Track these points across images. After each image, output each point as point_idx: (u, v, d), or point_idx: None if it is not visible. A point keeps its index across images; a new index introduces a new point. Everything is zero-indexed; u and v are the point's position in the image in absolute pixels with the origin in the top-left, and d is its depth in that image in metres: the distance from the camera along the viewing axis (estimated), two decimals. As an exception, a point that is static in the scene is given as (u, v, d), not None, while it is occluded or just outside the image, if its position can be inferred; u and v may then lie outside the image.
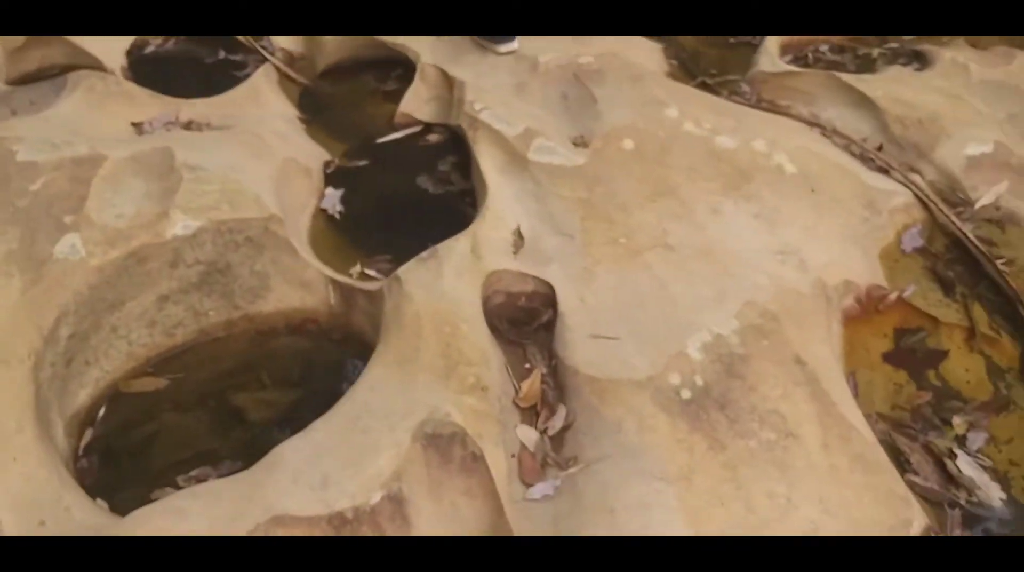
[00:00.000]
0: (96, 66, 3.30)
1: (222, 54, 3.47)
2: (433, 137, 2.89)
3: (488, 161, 2.41)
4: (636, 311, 1.84)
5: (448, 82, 2.94)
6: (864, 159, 2.51)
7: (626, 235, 2.06)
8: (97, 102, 2.73)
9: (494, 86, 2.74)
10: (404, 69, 3.22)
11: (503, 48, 2.99)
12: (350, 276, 2.25)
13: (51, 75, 3.36)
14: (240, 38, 3.44)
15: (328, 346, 2.21)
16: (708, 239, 2.06)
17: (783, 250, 2.02)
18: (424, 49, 3.09)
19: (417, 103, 2.95)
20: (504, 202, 2.27)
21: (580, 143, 2.41)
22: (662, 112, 2.51)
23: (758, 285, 1.88)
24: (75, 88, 2.73)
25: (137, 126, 2.73)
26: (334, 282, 2.18)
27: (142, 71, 3.36)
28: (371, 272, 2.28)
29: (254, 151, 2.47)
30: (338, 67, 3.34)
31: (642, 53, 3.17)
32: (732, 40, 3.45)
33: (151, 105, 2.85)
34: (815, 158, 2.37)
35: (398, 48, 3.15)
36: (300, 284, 2.21)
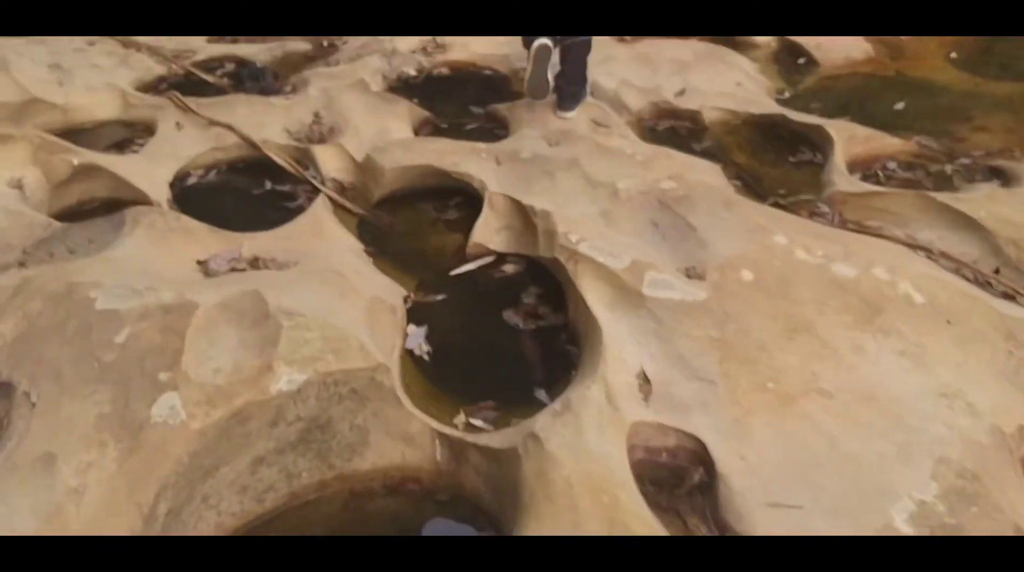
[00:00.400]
0: (140, 199, 3.16)
1: (268, 185, 3.34)
2: (509, 268, 2.73)
3: (594, 296, 2.25)
4: (812, 472, 1.65)
5: (519, 210, 2.82)
6: (981, 284, 2.39)
7: (773, 379, 1.89)
8: (159, 239, 2.55)
9: (580, 215, 2.61)
10: (462, 197, 3.10)
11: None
12: (455, 427, 2.04)
13: (91, 208, 3.21)
14: (287, 166, 3.31)
15: (431, 509, 1.97)
16: (862, 382, 1.89)
17: (945, 393, 1.85)
18: (488, 177, 2.98)
19: (488, 233, 2.82)
20: (621, 342, 2.09)
21: (694, 275, 2.26)
22: (770, 239, 2.38)
23: (940, 437, 1.70)
24: (136, 225, 2.54)
25: (202, 264, 2.55)
26: (442, 436, 1.97)
27: (188, 203, 3.22)
28: (477, 422, 2.07)
29: (339, 290, 2.29)
30: (392, 197, 3.21)
31: (704, 175, 3.08)
32: (793, 159, 3.39)
33: (212, 240, 2.67)
34: (941, 286, 2.24)
35: (461, 178, 3.03)
36: (402, 438, 1.99)
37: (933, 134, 3.45)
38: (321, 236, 2.82)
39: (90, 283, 2.01)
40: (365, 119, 3.60)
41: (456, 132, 3.73)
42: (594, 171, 2.93)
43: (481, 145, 3.23)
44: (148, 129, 3.86)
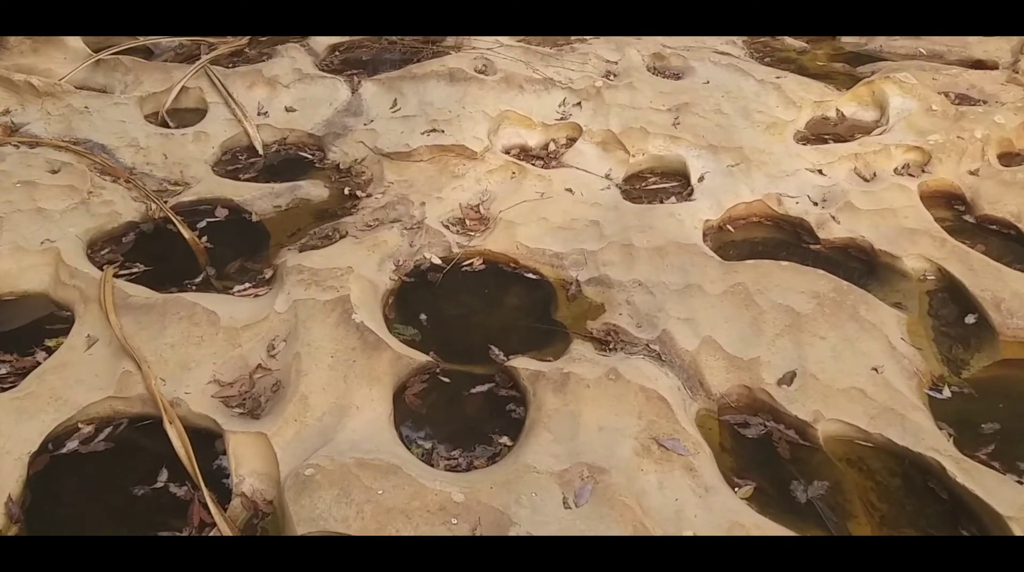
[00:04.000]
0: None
1: (163, 477, 2.37)
2: None
3: None
4: None
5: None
6: None
7: None
8: None
9: None
10: None
11: None
12: None
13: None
14: (185, 463, 2.29)
15: None
16: None
17: None
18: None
19: None
20: None
21: None
22: None
23: None
24: None
25: None
26: None
27: (43, 505, 2.28)
28: None
29: None
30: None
31: None
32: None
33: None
34: None
35: None
36: None
37: None
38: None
39: None
40: (324, 380, 2.55)
41: (456, 396, 2.67)
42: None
43: (457, 495, 2.11)
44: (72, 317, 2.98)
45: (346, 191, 3.89)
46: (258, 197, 3.77)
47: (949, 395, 2.69)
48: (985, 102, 4.61)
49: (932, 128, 4.15)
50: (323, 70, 4.89)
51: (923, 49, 5.60)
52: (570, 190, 3.78)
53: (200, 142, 4.23)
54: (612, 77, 4.69)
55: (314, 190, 3.88)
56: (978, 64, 5.28)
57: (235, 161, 4.26)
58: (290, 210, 3.75)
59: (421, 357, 2.74)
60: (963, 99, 4.68)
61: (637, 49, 5.01)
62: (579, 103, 4.36)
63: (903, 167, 4.00)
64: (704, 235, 3.50)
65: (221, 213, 3.72)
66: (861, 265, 3.36)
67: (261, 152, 4.30)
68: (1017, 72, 5.05)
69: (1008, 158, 4.12)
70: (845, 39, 5.82)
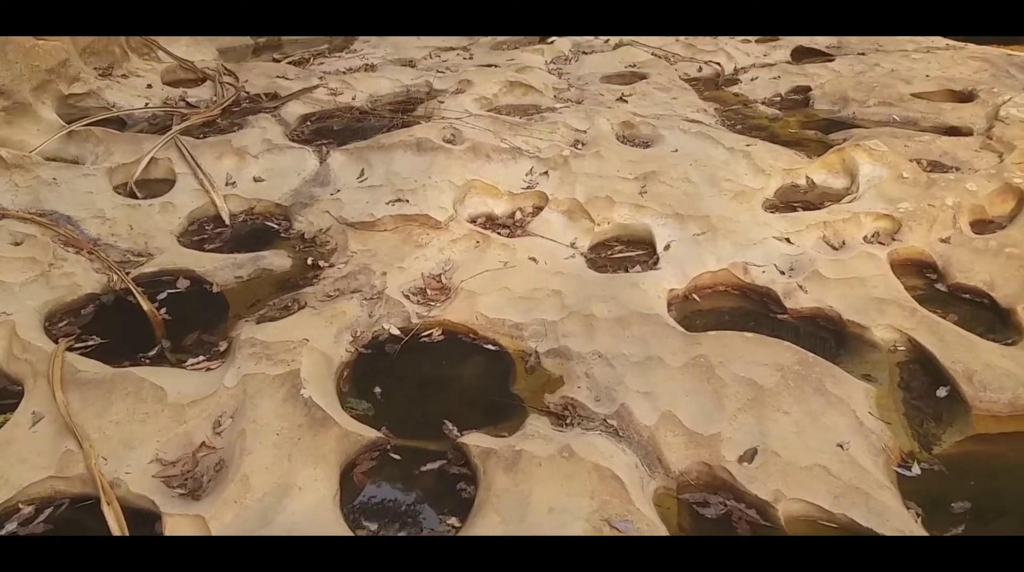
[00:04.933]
0: None
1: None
2: None
3: None
4: None
5: None
6: None
7: None
8: None
9: None
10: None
11: None
12: None
13: None
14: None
15: None
16: None
17: None
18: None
19: None
20: None
21: None
22: None
23: None
24: None
25: None
26: None
27: None
28: None
29: None
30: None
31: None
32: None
33: None
34: None
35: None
36: None
37: None
38: None
39: None
40: (268, 459, 2.46)
41: (406, 474, 2.58)
42: None
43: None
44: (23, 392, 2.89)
45: (309, 261, 3.85)
46: (220, 267, 3.73)
47: (919, 472, 2.60)
48: (958, 169, 4.60)
49: (902, 195, 4.13)
50: (293, 140, 4.91)
51: (897, 116, 5.64)
52: (534, 259, 3.74)
53: (167, 213, 4.21)
54: (580, 146, 4.71)
55: (277, 260, 3.84)
56: (952, 131, 5.30)
57: (201, 231, 4.23)
58: (251, 281, 3.70)
59: (371, 433, 2.66)
60: (936, 166, 4.67)
61: (607, 118, 5.05)
62: (546, 172, 4.36)
63: (873, 235, 3.97)
64: (669, 305, 3.45)
65: (183, 284, 3.67)
66: (830, 335, 3.31)
67: (228, 222, 4.28)
68: (991, 139, 5.06)
69: (981, 225, 4.09)
70: (818, 106, 5.88)
